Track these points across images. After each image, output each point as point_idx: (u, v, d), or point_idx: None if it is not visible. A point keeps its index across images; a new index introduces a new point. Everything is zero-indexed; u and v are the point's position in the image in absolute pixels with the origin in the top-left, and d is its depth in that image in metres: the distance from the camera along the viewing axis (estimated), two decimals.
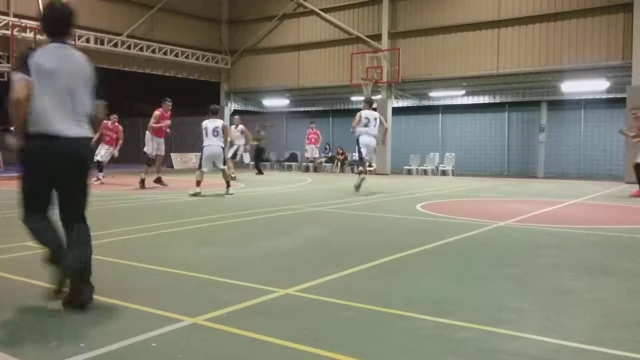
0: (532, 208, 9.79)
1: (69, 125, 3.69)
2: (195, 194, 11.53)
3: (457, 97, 21.56)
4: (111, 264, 5.08)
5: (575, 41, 17.95)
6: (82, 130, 3.79)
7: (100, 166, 15.15)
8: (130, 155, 26.77)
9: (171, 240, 6.55)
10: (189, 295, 4.08)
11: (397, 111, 22.30)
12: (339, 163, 23.31)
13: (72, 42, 3.82)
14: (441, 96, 21.81)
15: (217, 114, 12.31)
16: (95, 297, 3.82)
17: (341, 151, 23.38)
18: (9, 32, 17.43)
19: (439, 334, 3.25)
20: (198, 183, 11.73)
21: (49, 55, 3.70)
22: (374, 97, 21.60)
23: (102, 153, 15.15)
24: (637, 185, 12.44)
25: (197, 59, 23.79)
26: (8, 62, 17.71)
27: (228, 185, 12.15)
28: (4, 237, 6.35)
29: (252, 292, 4.08)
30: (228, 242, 6.41)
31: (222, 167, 12.06)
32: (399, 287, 4.37)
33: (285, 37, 24.10)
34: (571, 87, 19.06)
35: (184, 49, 23.07)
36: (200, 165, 12.00)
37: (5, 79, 18.90)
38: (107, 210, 9.41)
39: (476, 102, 21.52)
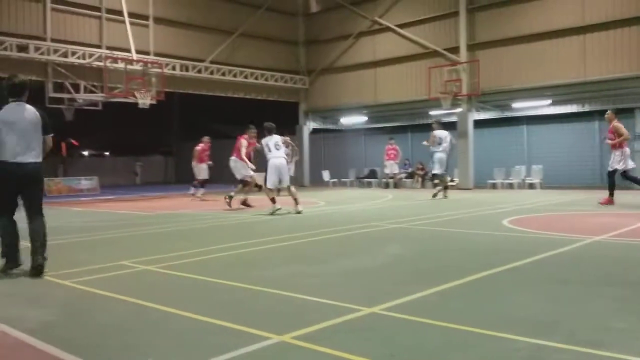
0: (629, 222, 9.20)
1: (26, 156, 5.64)
2: (274, 212, 11.68)
3: (542, 107, 20.72)
4: (199, 282, 5.23)
5: None
6: (35, 158, 5.72)
7: (202, 183, 17.89)
8: (216, 176, 27.73)
9: (254, 258, 6.67)
10: (274, 313, 4.12)
11: (478, 124, 21.74)
12: (420, 178, 22.98)
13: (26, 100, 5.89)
14: (525, 107, 21.04)
15: (272, 131, 12.10)
16: (183, 313, 3.96)
17: (421, 166, 23.05)
18: (102, 64, 18.60)
19: (535, 356, 3.09)
20: (273, 200, 11.87)
21: (10, 111, 5.65)
22: (454, 110, 21.28)
23: (203, 172, 17.76)
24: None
25: (275, 80, 24.36)
26: (102, 92, 18.87)
27: (297, 203, 11.92)
28: (103, 257, 6.71)
29: (337, 310, 4.06)
30: (309, 259, 6.44)
31: (287, 184, 11.98)
32: (489, 306, 4.21)
33: (362, 55, 24.21)
34: None
35: (263, 72, 23.70)
36: (266, 182, 12.01)
37: (100, 107, 20.21)
38: (195, 230, 9.75)
39: (563, 112, 20.58)
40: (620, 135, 12.31)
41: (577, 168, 20.61)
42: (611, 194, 12.30)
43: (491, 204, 13.46)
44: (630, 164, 12.42)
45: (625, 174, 12.35)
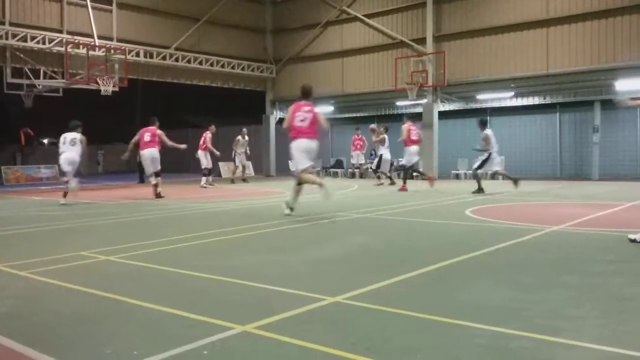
0: (587, 212, 9.45)
1: None
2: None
3: (506, 99, 21.08)
4: (161, 272, 5.17)
5: (629, 38, 17.30)
6: None
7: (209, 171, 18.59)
8: (176, 166, 27.39)
9: (218, 247, 6.62)
10: (237, 302, 4.10)
11: (443, 115, 21.99)
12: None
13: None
14: (489, 98, 21.37)
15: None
16: (145, 304, 3.91)
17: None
18: (63, 49, 18.10)
19: (495, 344, 3.15)
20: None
21: None
22: (419, 102, 21.45)
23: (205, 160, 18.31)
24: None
25: (242, 69, 24.13)
26: (62, 78, 18.37)
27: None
28: (62, 247, 6.57)
29: (300, 300, 4.07)
30: (274, 249, 6.43)
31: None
32: (450, 294, 4.27)
33: (329, 44, 24.16)
34: (626, 86, 18.33)
35: (229, 60, 23.44)
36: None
37: (60, 94, 19.70)
38: (158, 219, 9.62)
39: (526, 104, 20.98)
40: None
41: (538, 159, 21.08)
42: None
43: (454, 194, 13.66)
44: None
45: None
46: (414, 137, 15.52)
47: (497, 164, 14.51)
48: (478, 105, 21.85)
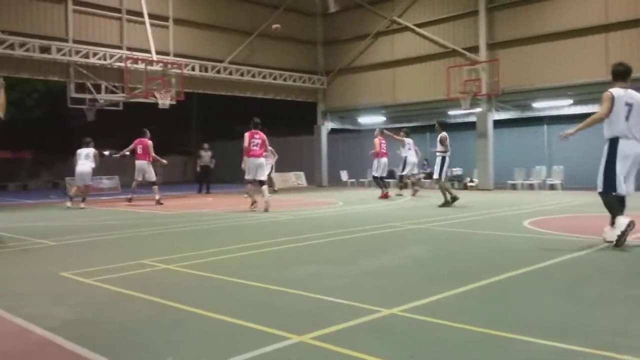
0: None
1: None
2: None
3: (563, 107, 20.48)
4: (219, 281, 5.27)
5: None
6: None
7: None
8: (230, 176, 27.89)
9: (274, 257, 6.69)
10: (294, 313, 4.13)
11: (498, 124, 21.55)
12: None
13: None
14: (546, 107, 20.82)
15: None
16: (203, 312, 4.03)
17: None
18: (122, 65, 18.80)
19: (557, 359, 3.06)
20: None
21: None
22: (473, 110, 21.10)
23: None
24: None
25: (294, 80, 24.40)
26: (122, 92, 19.07)
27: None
28: (124, 256, 6.80)
29: (356, 311, 4.07)
30: (329, 260, 6.45)
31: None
32: (510, 308, 4.17)
33: (380, 55, 24.15)
34: None
35: (281, 72, 23.77)
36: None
37: (121, 107, 20.45)
38: (215, 229, 9.81)
39: (585, 112, 20.30)
40: None
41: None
42: None
43: (511, 205, 13.34)
44: None
45: None
46: (384, 150, 17.45)
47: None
48: (534, 114, 21.32)
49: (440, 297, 4.47)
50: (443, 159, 13.49)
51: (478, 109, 21.06)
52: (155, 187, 15.61)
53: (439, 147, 13.62)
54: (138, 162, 15.83)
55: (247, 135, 13.02)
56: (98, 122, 21.24)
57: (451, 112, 22.83)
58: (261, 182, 12.95)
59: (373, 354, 3.15)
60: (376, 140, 17.34)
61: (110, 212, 13.81)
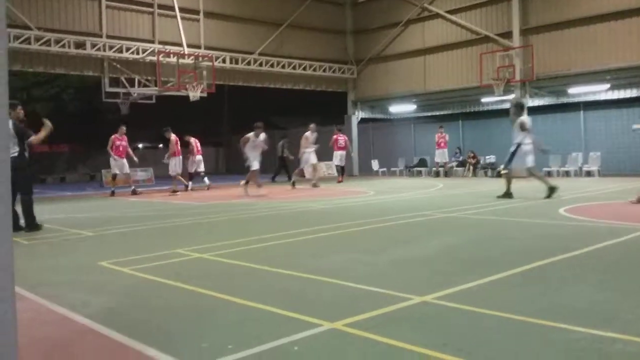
0: None
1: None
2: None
3: (600, 92, 19.96)
4: (252, 269, 5.33)
5: None
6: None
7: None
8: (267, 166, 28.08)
9: (306, 246, 6.73)
10: (327, 300, 4.15)
11: (533, 111, 21.12)
12: (471, 167, 22.57)
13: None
14: (582, 92, 20.32)
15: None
16: (237, 300, 4.08)
17: (472, 155, 22.63)
18: (155, 59, 19.06)
19: (591, 347, 3.01)
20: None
21: None
22: (506, 97, 20.73)
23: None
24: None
25: (324, 70, 24.36)
26: (155, 85, 19.34)
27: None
28: (159, 245, 6.93)
29: (389, 299, 4.07)
30: (361, 248, 6.45)
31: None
32: (545, 295, 4.11)
33: (411, 43, 23.91)
34: None
35: (311, 62, 23.75)
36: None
37: (154, 101, 20.75)
38: (248, 219, 9.91)
39: (623, 97, 19.77)
40: None
41: (637, 155, 19.79)
42: None
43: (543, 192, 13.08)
44: None
45: None
46: (340, 145, 20.06)
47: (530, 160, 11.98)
48: (570, 100, 20.84)
49: (473, 284, 4.44)
50: (518, 146, 11.84)
51: (511, 96, 20.67)
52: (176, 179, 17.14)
53: (519, 134, 11.85)
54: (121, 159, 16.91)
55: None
56: (132, 116, 21.61)
57: (484, 100, 22.49)
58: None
59: (405, 341, 3.15)
60: (334, 137, 20.21)
61: (145, 203, 14.06)
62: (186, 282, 4.84)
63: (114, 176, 16.84)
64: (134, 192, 16.83)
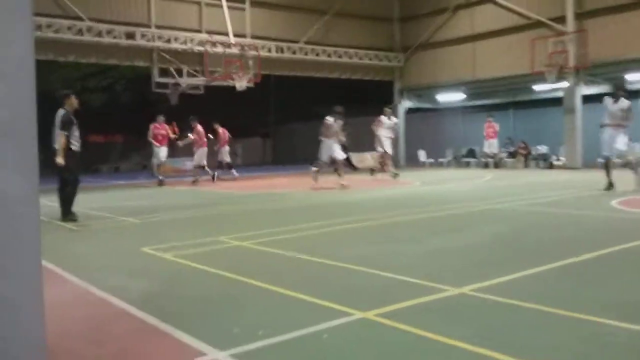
0: None
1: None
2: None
3: None
4: (289, 258, 5.34)
5: None
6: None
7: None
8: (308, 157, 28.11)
9: (345, 236, 6.69)
10: (360, 289, 4.11)
11: (588, 99, 20.34)
12: (522, 158, 21.96)
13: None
14: None
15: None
16: (272, 287, 4.10)
17: (524, 145, 22.01)
18: (202, 48, 19.30)
19: (633, 343, 2.86)
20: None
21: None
22: (559, 85, 20.00)
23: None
24: None
25: (370, 59, 24.11)
26: (203, 76, 19.61)
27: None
28: (202, 232, 7.03)
29: (424, 290, 3.99)
30: (401, 238, 6.36)
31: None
32: (587, 289, 3.95)
33: (459, 29, 23.36)
34: None
35: (357, 50, 23.53)
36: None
37: (202, 91, 21.04)
38: (289, 208, 9.95)
39: None
40: None
41: None
42: None
43: (601, 184, 12.59)
44: None
45: None
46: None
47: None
48: (628, 87, 19.92)
49: (513, 277, 4.30)
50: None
51: (565, 83, 19.95)
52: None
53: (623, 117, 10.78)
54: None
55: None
56: (181, 106, 21.99)
57: (536, 87, 21.79)
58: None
59: (436, 331, 3.08)
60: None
61: (193, 192, 14.32)
62: (223, 268, 4.88)
63: (158, 165, 16.98)
64: (195, 182, 16.68)
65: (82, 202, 9.59)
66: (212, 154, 18.30)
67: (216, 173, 17.79)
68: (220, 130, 18.35)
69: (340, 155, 13.52)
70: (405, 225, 7.42)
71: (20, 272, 2.19)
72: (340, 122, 13.62)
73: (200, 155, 17.17)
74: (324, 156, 13.48)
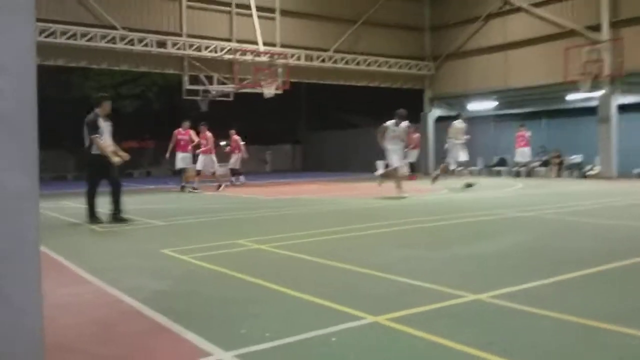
0: None
1: None
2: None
3: None
4: (307, 262, 5.29)
5: None
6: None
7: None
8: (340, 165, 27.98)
9: (366, 241, 6.61)
10: (374, 294, 4.04)
11: (624, 108, 19.81)
12: (555, 167, 21.48)
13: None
14: None
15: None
16: (285, 290, 4.06)
17: (557, 154, 21.54)
18: (232, 57, 19.49)
19: None
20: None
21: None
22: (594, 94, 19.54)
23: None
24: None
25: (400, 67, 23.98)
26: (232, 83, 19.78)
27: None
28: (222, 236, 7.04)
29: (440, 295, 3.89)
30: (425, 245, 6.25)
31: None
32: (611, 299, 3.79)
33: (491, 38, 23.07)
34: None
35: (387, 59, 23.44)
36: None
37: (231, 98, 21.23)
38: (314, 213, 9.90)
39: None
40: None
41: None
42: None
43: (634, 195, 12.22)
44: None
45: None
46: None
47: None
48: None
49: (534, 284, 4.16)
50: None
51: (600, 92, 19.48)
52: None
53: None
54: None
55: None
56: (211, 114, 22.21)
57: (569, 97, 21.32)
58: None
59: (447, 338, 2.98)
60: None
61: (219, 196, 14.41)
62: (240, 271, 4.86)
63: (184, 170, 16.47)
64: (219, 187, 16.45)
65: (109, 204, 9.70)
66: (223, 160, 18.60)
67: (233, 179, 18.37)
68: (235, 137, 18.54)
69: (399, 162, 12.29)
70: (432, 232, 7.30)
71: (20, 267, 2.19)
72: (405, 125, 12.33)
73: (207, 161, 16.40)
74: (395, 162, 12.25)
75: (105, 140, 8.54)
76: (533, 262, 5.16)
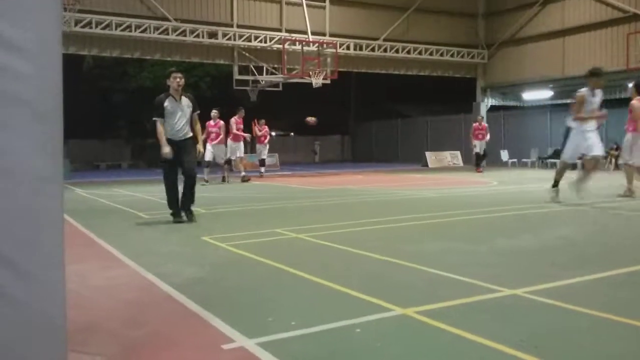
0: None
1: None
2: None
3: None
4: (341, 251, 5.24)
5: None
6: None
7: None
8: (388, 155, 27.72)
9: (406, 232, 6.51)
10: (406, 286, 3.95)
11: None
12: (613, 159, 20.58)
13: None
14: None
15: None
16: (317, 279, 4.04)
17: (616, 146, 20.62)
18: (281, 46, 19.58)
19: None
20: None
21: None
22: None
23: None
24: None
25: (451, 55, 23.47)
26: (281, 73, 19.86)
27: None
28: (262, 224, 7.09)
29: (474, 289, 3.77)
30: (465, 237, 6.08)
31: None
32: None
33: (548, 23, 22.25)
34: None
35: (438, 47, 22.98)
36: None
37: (280, 88, 21.33)
38: (357, 204, 9.84)
39: None
40: None
41: None
42: None
43: None
44: None
45: None
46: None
47: None
48: None
49: (575, 280, 3.98)
50: None
51: None
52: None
53: None
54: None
55: None
56: (261, 104, 22.40)
57: (631, 85, 20.33)
58: None
59: (476, 333, 2.88)
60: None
61: (264, 186, 14.53)
62: (274, 259, 4.87)
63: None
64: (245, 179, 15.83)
65: (160, 192, 9.83)
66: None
67: (263, 169, 18.47)
68: (257, 127, 18.09)
69: (600, 149, 9.13)
70: (474, 224, 7.12)
71: (44, 250, 2.23)
72: (598, 94, 9.03)
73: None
74: (569, 152, 9.57)
75: (174, 126, 7.33)
76: (578, 257, 4.94)
